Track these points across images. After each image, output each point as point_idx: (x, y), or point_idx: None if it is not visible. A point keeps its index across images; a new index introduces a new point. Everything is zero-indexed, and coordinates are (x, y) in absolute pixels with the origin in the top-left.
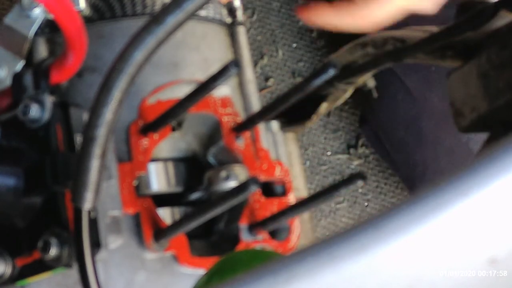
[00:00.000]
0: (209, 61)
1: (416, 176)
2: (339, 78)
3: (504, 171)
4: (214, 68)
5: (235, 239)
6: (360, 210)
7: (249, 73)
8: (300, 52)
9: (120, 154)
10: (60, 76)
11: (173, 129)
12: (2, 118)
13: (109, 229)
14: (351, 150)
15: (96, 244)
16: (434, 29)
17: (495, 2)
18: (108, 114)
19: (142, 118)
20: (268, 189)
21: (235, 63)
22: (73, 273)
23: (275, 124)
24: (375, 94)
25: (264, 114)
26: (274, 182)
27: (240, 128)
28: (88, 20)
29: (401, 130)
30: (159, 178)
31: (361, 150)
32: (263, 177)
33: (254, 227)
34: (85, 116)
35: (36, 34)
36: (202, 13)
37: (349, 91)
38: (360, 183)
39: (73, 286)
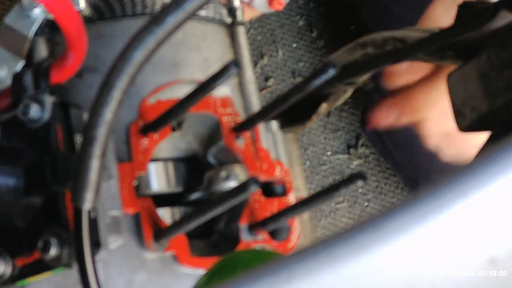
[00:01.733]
0: (209, 61)
1: (420, 176)
2: (339, 78)
3: (504, 171)
4: (214, 68)
5: (235, 239)
6: (360, 210)
7: (249, 73)
8: (300, 52)
9: (120, 154)
10: (60, 76)
11: (173, 129)
12: (2, 118)
13: (109, 229)
14: (351, 150)
15: (96, 244)
16: (434, 29)
17: (495, 2)
18: (108, 114)
19: (142, 118)
20: (268, 189)
21: (235, 63)
22: (73, 273)
23: (275, 124)
24: (375, 94)
25: (264, 114)
26: (274, 182)
27: (240, 128)
28: (88, 20)
29: (405, 130)
30: (159, 178)
31: (361, 150)
32: (263, 177)
33: (254, 227)
34: (85, 116)
35: (36, 34)
36: (202, 13)
37: (349, 91)
38: (360, 183)
39: (73, 286)
